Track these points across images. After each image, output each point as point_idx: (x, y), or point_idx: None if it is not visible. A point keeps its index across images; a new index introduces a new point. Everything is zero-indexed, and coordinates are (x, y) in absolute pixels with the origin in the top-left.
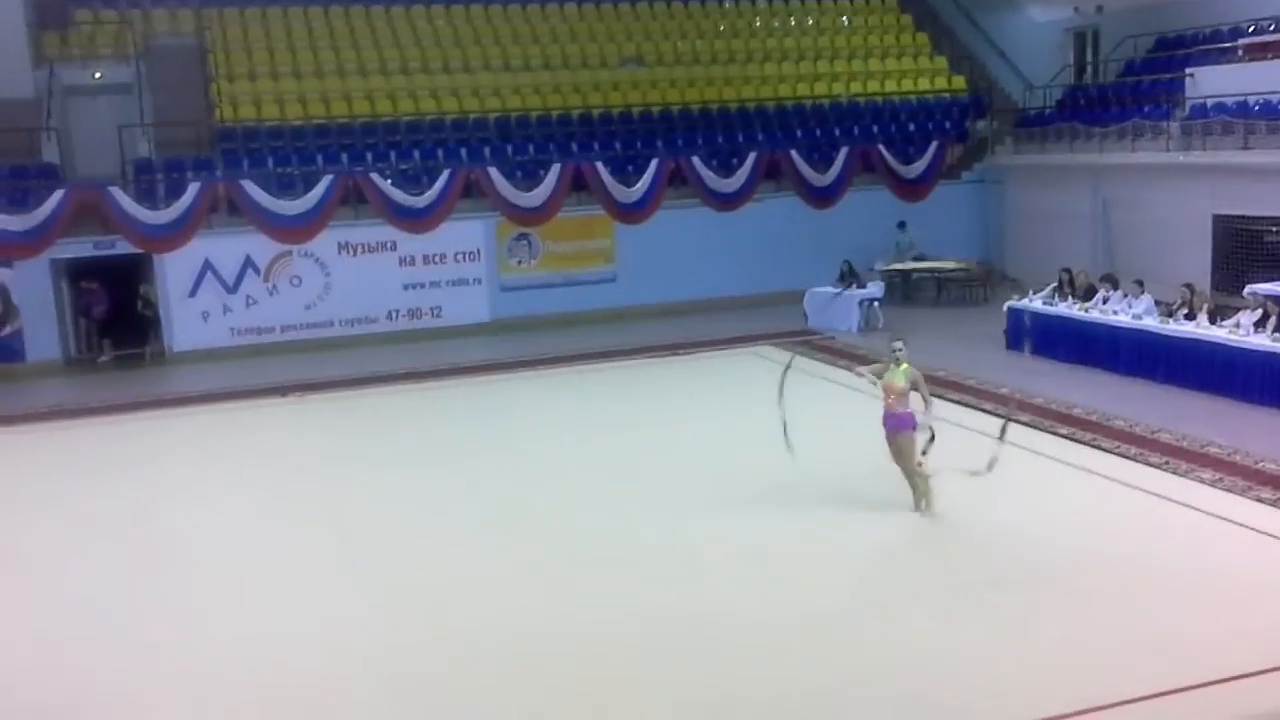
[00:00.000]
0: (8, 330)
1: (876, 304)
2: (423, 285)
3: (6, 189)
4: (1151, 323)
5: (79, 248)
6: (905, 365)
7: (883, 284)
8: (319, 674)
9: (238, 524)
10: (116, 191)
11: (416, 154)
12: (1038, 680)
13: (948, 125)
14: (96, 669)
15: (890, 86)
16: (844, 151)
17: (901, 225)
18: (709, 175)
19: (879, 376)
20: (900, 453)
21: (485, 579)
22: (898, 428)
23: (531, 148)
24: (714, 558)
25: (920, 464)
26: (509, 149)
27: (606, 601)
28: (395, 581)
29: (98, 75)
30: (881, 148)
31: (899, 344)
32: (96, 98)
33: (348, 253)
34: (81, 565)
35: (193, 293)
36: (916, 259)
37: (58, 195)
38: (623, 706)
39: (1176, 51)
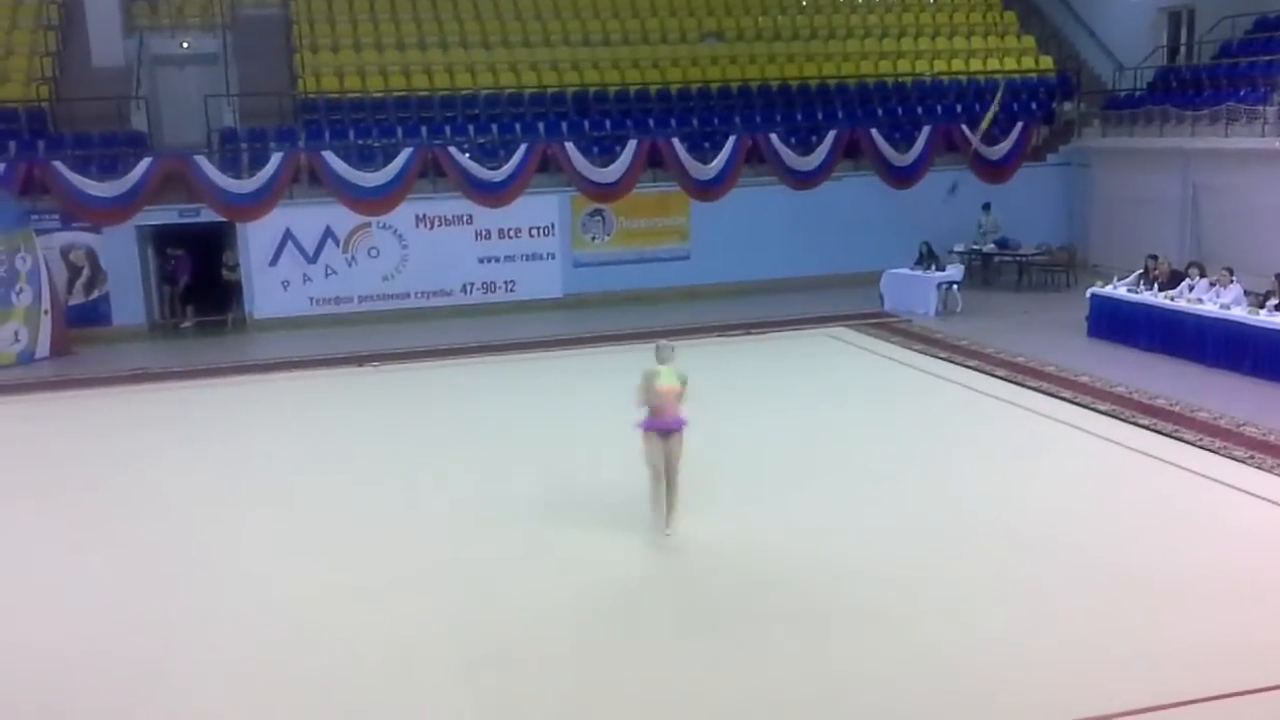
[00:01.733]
0: (95, 294)
1: (955, 287)
2: (497, 259)
3: (97, 156)
4: (1240, 313)
5: (165, 215)
6: (669, 366)
7: (962, 267)
8: (389, 634)
9: (310, 487)
10: (202, 160)
11: (494, 128)
12: (1109, 677)
13: (1034, 106)
14: (168, 625)
15: (975, 65)
16: (926, 131)
17: (986, 207)
18: (787, 153)
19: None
20: (674, 455)
21: (533, 551)
22: (671, 429)
23: (608, 123)
24: (767, 543)
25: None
26: (586, 124)
27: (644, 584)
28: (463, 549)
29: (185, 45)
30: (965, 128)
31: (669, 344)
32: (184, 67)
33: (425, 225)
34: (159, 523)
35: (273, 262)
36: (1000, 242)
37: (145, 163)
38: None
39: (1276, 33)
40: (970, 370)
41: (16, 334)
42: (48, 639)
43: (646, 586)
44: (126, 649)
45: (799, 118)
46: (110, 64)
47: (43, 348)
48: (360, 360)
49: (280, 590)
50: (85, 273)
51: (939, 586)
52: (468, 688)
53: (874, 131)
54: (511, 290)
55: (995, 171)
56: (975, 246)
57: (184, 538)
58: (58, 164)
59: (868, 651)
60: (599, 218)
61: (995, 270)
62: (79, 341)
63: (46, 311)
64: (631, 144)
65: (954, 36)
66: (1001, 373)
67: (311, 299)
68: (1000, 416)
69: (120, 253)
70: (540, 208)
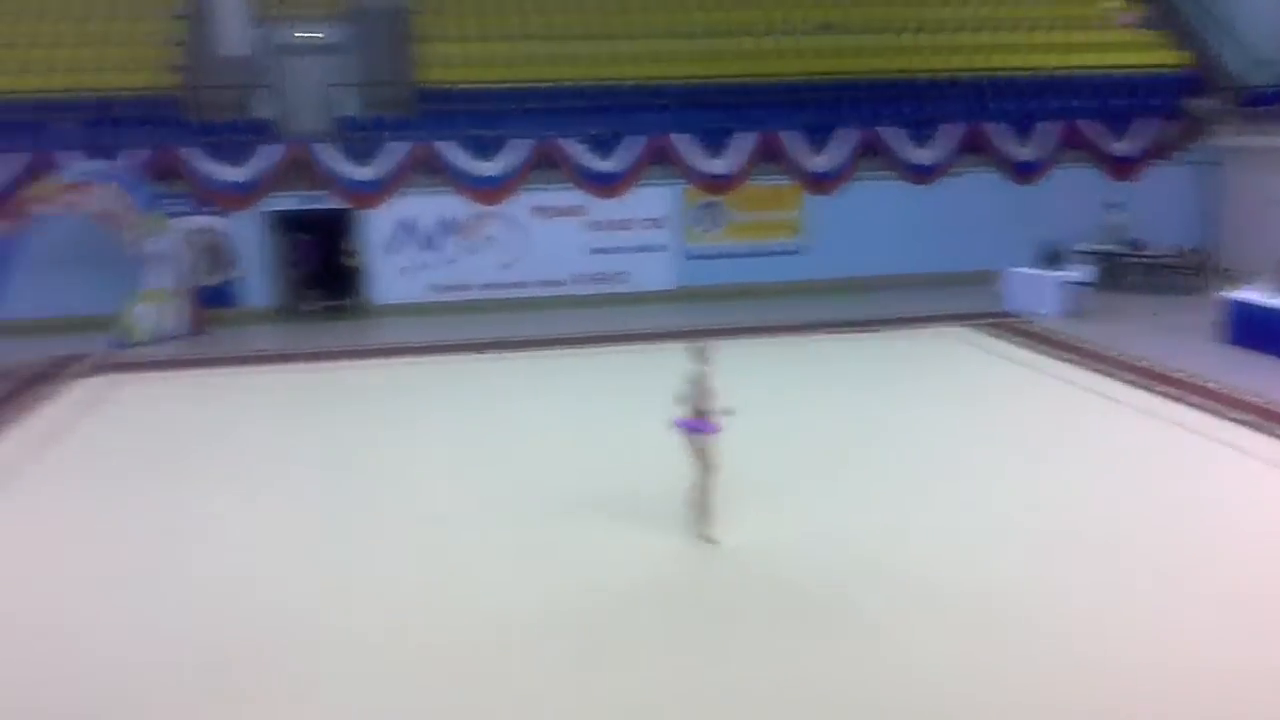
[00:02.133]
0: (223, 277)
1: (1080, 287)
2: (609, 250)
3: (226, 143)
4: None
5: (289, 201)
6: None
7: (1087, 267)
8: (497, 615)
9: (426, 468)
10: (324, 148)
11: (608, 120)
12: (1218, 695)
13: (1163, 102)
14: (274, 602)
15: (1102, 59)
16: (1050, 126)
17: (1113, 206)
18: (904, 147)
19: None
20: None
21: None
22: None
23: (722, 115)
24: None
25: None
26: (700, 116)
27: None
28: (567, 532)
29: (315, 35)
30: (1090, 123)
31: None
32: (309, 56)
33: (539, 215)
34: (278, 498)
35: (393, 249)
36: (1127, 243)
37: (271, 150)
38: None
39: None
40: (1094, 373)
41: (150, 313)
42: (161, 606)
43: (732, 581)
44: (235, 628)
45: (918, 111)
46: (238, 53)
47: (174, 327)
48: (477, 347)
49: (387, 566)
50: (214, 256)
51: (1044, 596)
52: (570, 679)
53: (995, 126)
54: (623, 281)
55: (1121, 169)
56: (1101, 246)
57: (297, 509)
58: (189, 150)
59: (952, 658)
60: (711, 210)
61: (1122, 271)
62: (208, 322)
63: (178, 293)
64: (745, 136)
65: (1080, 30)
66: (1127, 377)
67: (429, 285)
68: (1125, 422)
69: (247, 237)
70: (652, 199)
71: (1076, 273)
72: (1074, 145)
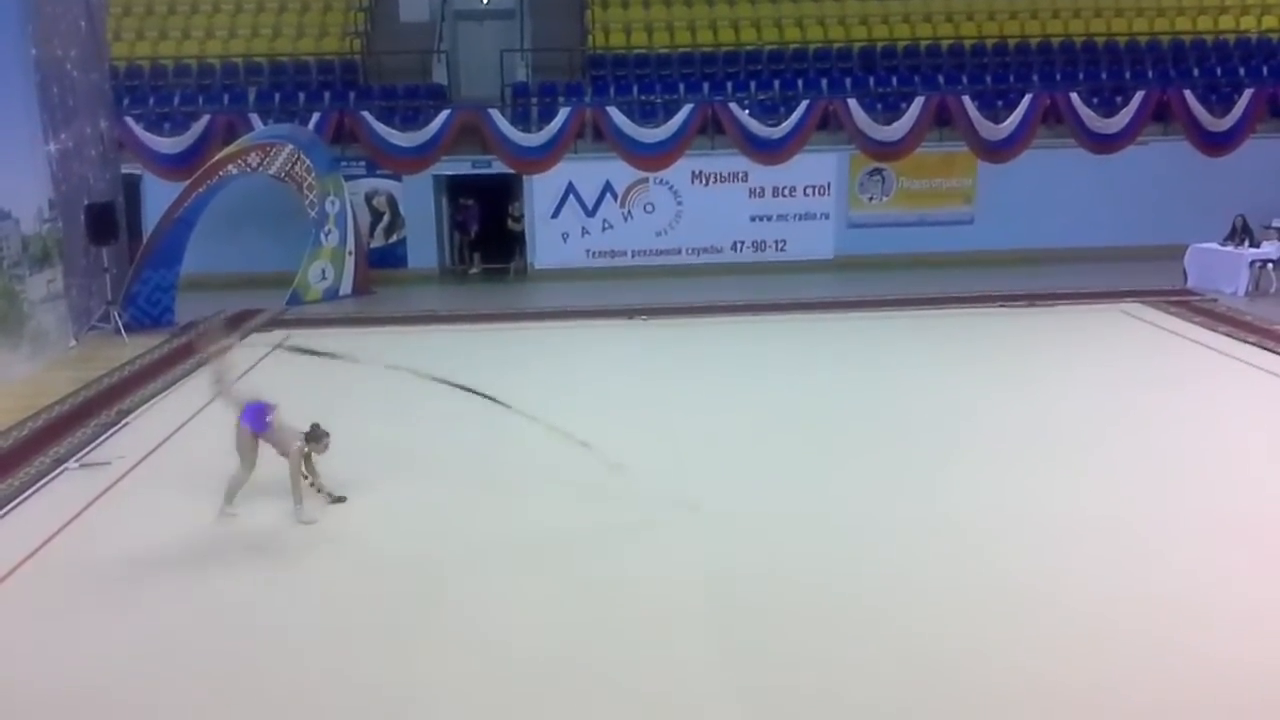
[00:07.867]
0: (393, 238)
1: (1270, 266)
2: (770, 218)
3: (401, 107)
4: None
5: (459, 165)
6: None
7: None
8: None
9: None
10: (495, 113)
11: (776, 84)
12: None
13: None
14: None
15: None
16: (1248, 94)
17: None
18: (1088, 114)
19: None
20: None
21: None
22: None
23: (895, 79)
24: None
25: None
26: (871, 80)
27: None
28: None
29: (485, 1)
30: None
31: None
32: (483, 22)
33: (700, 182)
34: (432, 464)
35: (555, 214)
36: None
37: (444, 115)
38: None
39: None
40: None
41: (324, 272)
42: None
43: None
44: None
45: (1103, 76)
46: (416, 19)
47: (345, 286)
48: (630, 313)
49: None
50: (386, 218)
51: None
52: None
53: (1187, 93)
54: (782, 249)
55: None
56: None
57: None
58: (366, 114)
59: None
60: (878, 177)
61: None
62: (377, 282)
63: (350, 253)
64: (918, 101)
65: None
66: None
67: (588, 251)
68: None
69: (418, 200)
70: (817, 166)
71: (1268, 250)
72: (1276, 114)
